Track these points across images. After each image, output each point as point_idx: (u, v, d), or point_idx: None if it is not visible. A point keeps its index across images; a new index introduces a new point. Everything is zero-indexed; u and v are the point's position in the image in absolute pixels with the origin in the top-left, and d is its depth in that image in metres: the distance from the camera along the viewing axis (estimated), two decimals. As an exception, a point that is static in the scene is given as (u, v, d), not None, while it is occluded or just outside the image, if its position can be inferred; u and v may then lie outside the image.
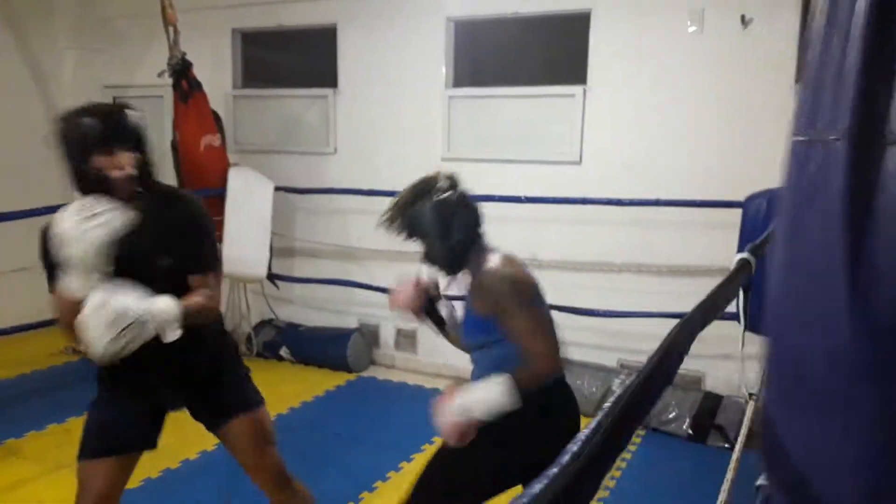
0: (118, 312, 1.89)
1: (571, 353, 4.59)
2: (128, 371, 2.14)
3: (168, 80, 5.03)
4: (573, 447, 0.81)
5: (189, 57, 4.99)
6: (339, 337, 5.22)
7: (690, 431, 4.05)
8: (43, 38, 6.01)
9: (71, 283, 1.94)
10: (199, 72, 5.04)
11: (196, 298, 2.11)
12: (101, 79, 6.23)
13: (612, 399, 0.96)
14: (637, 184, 4.44)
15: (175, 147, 5.19)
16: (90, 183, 2.04)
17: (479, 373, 2.10)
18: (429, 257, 2.19)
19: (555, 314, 4.53)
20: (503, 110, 4.89)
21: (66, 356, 5.34)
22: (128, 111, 2.11)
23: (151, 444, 2.32)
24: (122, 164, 2.05)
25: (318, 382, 4.94)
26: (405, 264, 5.10)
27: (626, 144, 4.52)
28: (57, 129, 2.09)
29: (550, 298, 4.55)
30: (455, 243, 2.14)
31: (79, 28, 6.17)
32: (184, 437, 2.88)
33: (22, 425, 4.03)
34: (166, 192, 2.25)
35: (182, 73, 4.99)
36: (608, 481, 3.54)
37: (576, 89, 4.60)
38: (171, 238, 2.13)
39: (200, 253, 2.20)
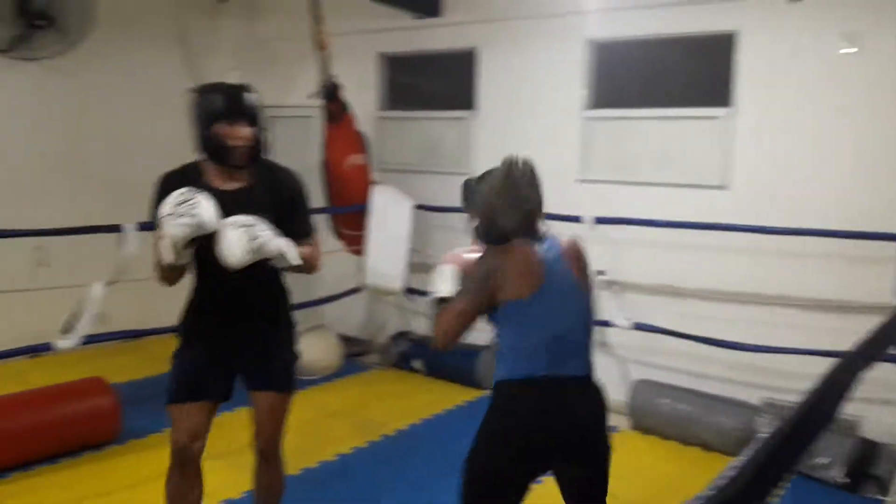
0: (252, 228, 2.26)
1: (711, 387, 4.45)
2: (204, 326, 2.56)
3: (318, 102, 5.35)
4: (721, 482, 0.80)
5: (338, 79, 5.29)
6: (469, 353, 5.30)
7: (844, 479, 3.77)
8: (209, 59, 6.56)
9: (162, 252, 2.28)
10: (347, 93, 5.33)
11: (303, 248, 2.44)
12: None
13: (763, 438, 0.93)
14: (786, 211, 4.24)
15: (323, 165, 5.50)
16: (210, 149, 2.39)
17: None
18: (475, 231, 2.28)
19: (695, 346, 4.42)
20: (642, 132, 4.83)
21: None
22: (249, 91, 2.44)
23: (225, 396, 2.65)
24: (240, 136, 2.37)
25: (449, 396, 5.04)
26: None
27: (775, 170, 4.34)
28: (190, 99, 2.41)
29: (690, 328, 4.46)
30: (482, 223, 2.22)
31: (240, 49, 6.68)
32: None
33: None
34: (271, 164, 2.57)
35: (332, 94, 5.29)
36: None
37: (720, 111, 4.48)
38: (275, 202, 2.46)
39: (300, 217, 2.56)
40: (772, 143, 4.35)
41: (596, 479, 2.20)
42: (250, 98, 2.44)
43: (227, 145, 2.37)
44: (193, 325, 2.59)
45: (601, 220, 4.62)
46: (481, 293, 2.12)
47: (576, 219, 4.67)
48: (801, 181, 4.25)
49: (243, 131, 2.38)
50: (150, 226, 4.29)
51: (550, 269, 2.12)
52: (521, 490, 2.12)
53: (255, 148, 2.43)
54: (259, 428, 2.70)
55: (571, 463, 2.15)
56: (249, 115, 2.41)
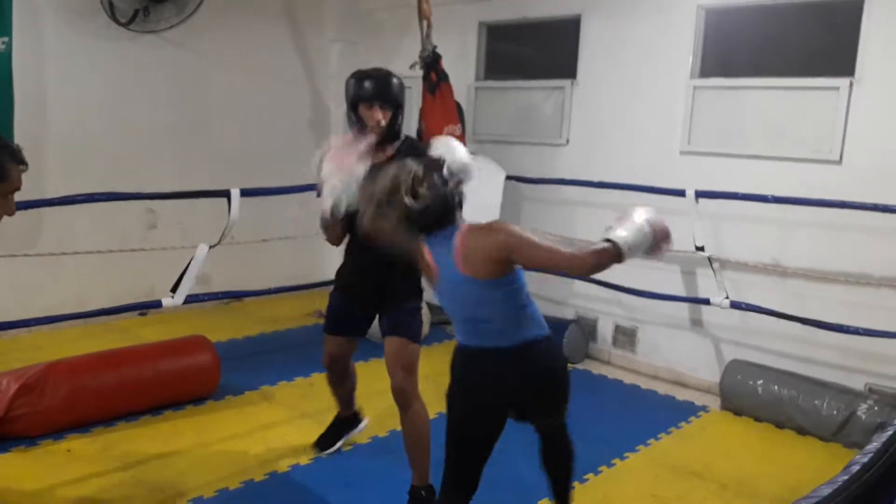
0: None
1: (810, 370, 4.24)
2: (349, 279, 3.18)
3: (418, 72, 5.36)
4: (853, 469, 0.74)
5: (438, 50, 5.27)
6: (556, 326, 5.15)
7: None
8: (313, 30, 6.70)
9: (324, 205, 2.76)
10: (445, 64, 5.31)
11: None
12: (359, 69, 6.80)
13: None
14: (907, 189, 3.92)
15: (420, 136, 5.52)
16: (355, 125, 2.86)
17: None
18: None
19: (797, 326, 4.21)
20: (753, 103, 4.56)
21: (315, 318, 5.95)
22: (393, 79, 2.87)
23: (363, 333, 3.30)
24: (374, 117, 2.81)
25: (535, 369, 5.02)
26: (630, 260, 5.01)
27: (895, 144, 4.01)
28: (346, 82, 2.90)
29: (792, 309, 4.25)
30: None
31: (344, 21, 6.77)
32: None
33: (275, 375, 4.57)
34: (413, 141, 3.13)
35: (432, 65, 5.28)
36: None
37: (840, 82, 4.16)
38: None
39: None
40: (895, 116, 4.01)
41: (555, 430, 2.71)
42: (387, 84, 2.84)
43: (366, 125, 2.82)
44: (342, 276, 3.24)
45: (704, 195, 4.42)
46: None
47: (679, 192, 4.49)
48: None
49: (377, 114, 2.82)
50: (253, 192, 4.50)
51: (440, 266, 2.32)
52: (493, 436, 2.45)
53: (391, 127, 2.87)
54: (390, 374, 3.05)
55: (525, 416, 2.53)
56: (385, 99, 2.82)
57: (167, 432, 3.72)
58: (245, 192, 4.31)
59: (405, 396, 3.04)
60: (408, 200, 2.20)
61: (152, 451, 3.48)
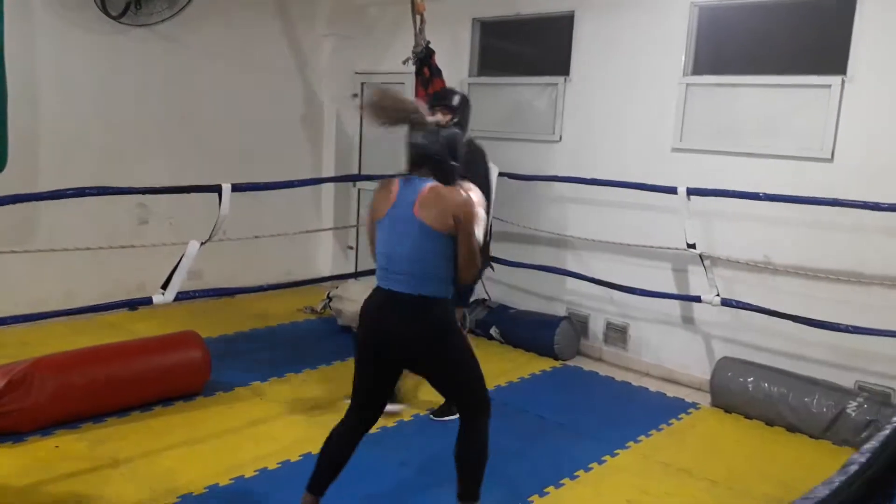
0: None
1: (801, 367, 4.27)
2: None
3: (411, 68, 5.34)
4: (851, 469, 0.73)
5: (432, 45, 5.25)
6: (547, 323, 5.24)
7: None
8: (306, 25, 6.67)
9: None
10: (438, 59, 5.29)
11: None
12: (351, 65, 6.78)
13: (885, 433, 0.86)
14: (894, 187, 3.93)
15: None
16: None
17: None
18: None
19: (787, 324, 4.23)
20: (745, 100, 4.56)
21: (306, 315, 5.94)
22: (456, 93, 3.88)
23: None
24: (438, 120, 3.06)
25: (525, 365, 5.02)
26: (621, 256, 5.02)
27: (890, 142, 4.02)
28: None
29: (783, 306, 4.27)
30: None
31: (336, 16, 6.75)
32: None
33: (266, 371, 4.55)
34: (470, 141, 3.66)
35: (425, 60, 5.25)
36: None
37: (832, 80, 4.17)
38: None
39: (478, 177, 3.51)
40: (887, 114, 4.02)
41: (434, 380, 2.80)
42: (454, 96, 3.86)
43: None
44: None
45: (695, 192, 4.42)
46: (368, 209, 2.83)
47: (671, 189, 4.49)
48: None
49: (440, 116, 3.45)
50: (245, 187, 4.46)
51: (398, 203, 2.61)
52: (375, 371, 2.73)
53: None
54: None
55: (405, 361, 2.73)
56: (450, 106, 3.72)
57: (157, 428, 3.71)
58: (236, 188, 4.28)
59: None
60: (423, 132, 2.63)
61: (142, 448, 3.47)
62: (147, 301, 4.11)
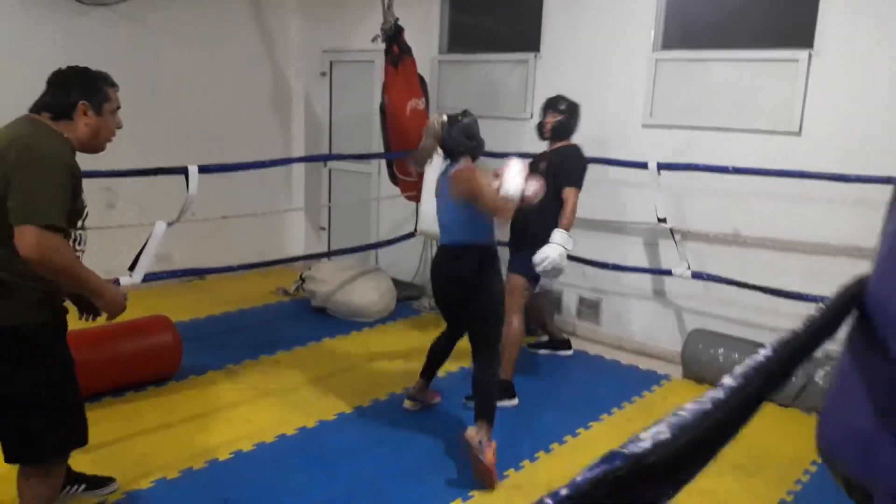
0: None
1: (771, 338, 4.32)
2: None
3: (380, 46, 5.28)
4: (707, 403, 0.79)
5: (400, 22, 5.19)
6: (524, 301, 5.25)
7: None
8: (273, 3, 6.55)
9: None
10: (408, 37, 5.23)
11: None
12: (320, 44, 6.69)
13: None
14: (864, 159, 3.98)
15: (383, 110, 5.46)
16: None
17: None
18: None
19: (757, 296, 4.29)
20: (715, 75, 4.58)
21: (278, 297, 5.89)
22: (562, 99, 4.23)
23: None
24: (546, 122, 4.18)
25: (502, 343, 5.04)
26: (593, 231, 5.05)
27: (855, 115, 4.06)
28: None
29: (753, 278, 4.32)
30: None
31: (306, -7, 6.64)
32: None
33: (239, 354, 4.52)
34: (571, 148, 4.20)
35: (394, 38, 5.20)
36: (794, 485, 3.29)
37: (800, 53, 4.20)
38: (555, 168, 4.04)
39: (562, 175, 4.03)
40: (853, 87, 4.07)
41: (473, 315, 3.38)
42: (560, 100, 4.23)
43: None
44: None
45: (666, 167, 4.45)
46: None
47: (642, 164, 4.51)
48: (883, 127, 3.97)
49: (548, 118, 4.20)
50: (209, 169, 4.40)
51: (440, 182, 3.47)
52: (450, 311, 3.60)
53: (555, 129, 4.18)
54: None
55: (459, 301, 3.41)
56: (556, 109, 4.20)
57: (129, 414, 3.66)
58: (203, 169, 4.21)
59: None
60: (443, 133, 3.39)
61: (115, 433, 3.42)
62: (114, 283, 4.04)
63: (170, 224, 4.07)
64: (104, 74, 2.48)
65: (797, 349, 1.00)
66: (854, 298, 1.19)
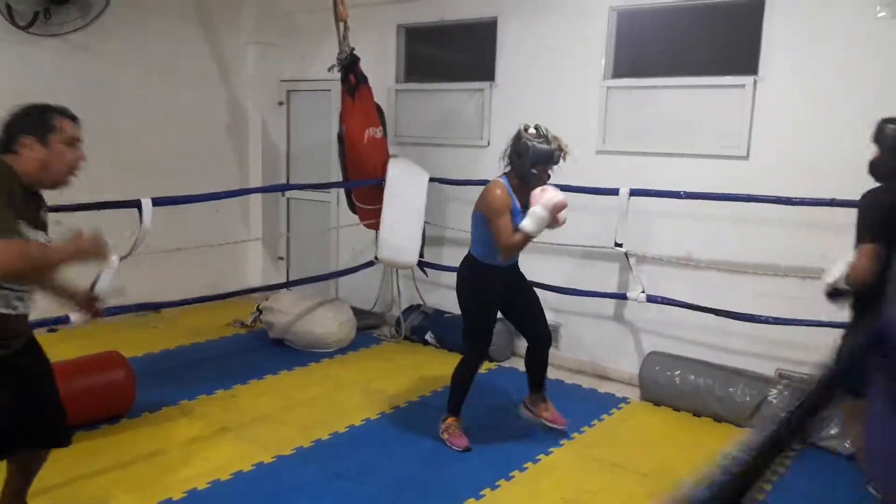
0: None
1: (726, 359, 4.41)
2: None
3: (337, 75, 5.29)
4: (736, 453, 0.80)
5: (357, 52, 5.22)
6: (484, 327, 5.26)
7: (851, 450, 3.69)
8: (229, 32, 6.54)
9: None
10: (365, 66, 5.26)
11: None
12: (277, 73, 6.68)
13: (788, 403, 0.91)
14: (810, 182, 4.11)
15: (341, 138, 5.46)
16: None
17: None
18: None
19: (711, 318, 4.37)
20: (664, 102, 4.70)
21: (235, 329, 5.80)
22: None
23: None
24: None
25: (462, 370, 5.02)
26: (552, 256, 5.09)
27: (800, 139, 4.20)
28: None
29: (706, 300, 4.40)
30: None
31: (261, 23, 6.64)
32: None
33: (194, 389, 4.43)
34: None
35: (350, 67, 5.22)
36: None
37: (746, 80, 4.33)
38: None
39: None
40: (798, 113, 4.20)
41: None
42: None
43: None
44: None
45: (637, 193, 4.51)
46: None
47: (596, 190, 4.58)
48: (827, 151, 4.10)
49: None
50: (163, 201, 4.34)
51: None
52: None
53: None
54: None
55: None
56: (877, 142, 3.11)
57: (80, 454, 3.53)
58: (157, 202, 4.16)
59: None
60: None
61: (64, 475, 3.30)
62: (65, 320, 3.94)
63: (122, 258, 3.99)
64: (58, 108, 2.48)
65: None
66: (868, 348, 1.20)
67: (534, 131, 3.57)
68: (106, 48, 5.66)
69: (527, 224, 3.46)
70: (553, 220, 3.53)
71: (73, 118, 2.50)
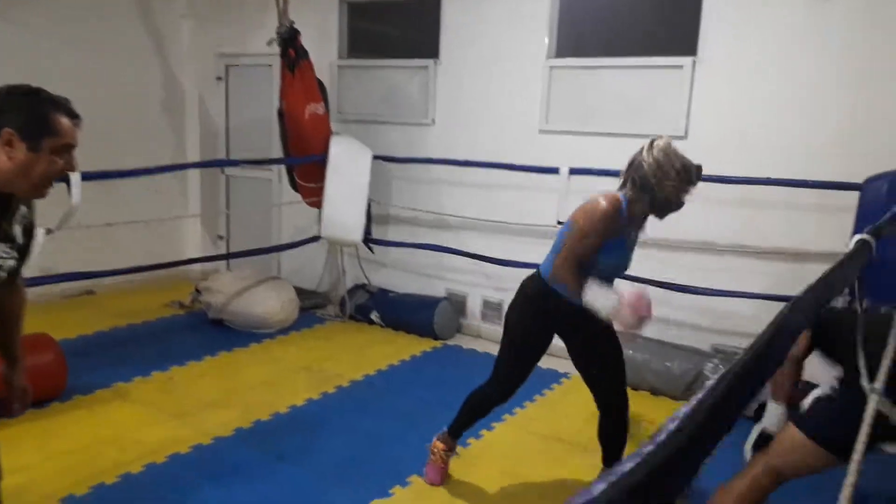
0: None
1: (664, 334, 4.50)
2: None
3: (277, 50, 5.16)
4: (671, 425, 0.78)
5: (297, 27, 5.09)
6: (427, 304, 5.27)
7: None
8: (164, 5, 6.30)
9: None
10: (306, 42, 5.14)
11: None
12: (215, 47, 6.48)
13: (716, 378, 0.90)
14: (746, 161, 4.21)
15: (281, 115, 5.34)
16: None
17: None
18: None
19: (651, 289, 4.45)
20: (606, 82, 4.73)
21: (173, 310, 5.65)
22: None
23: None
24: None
25: (406, 347, 5.02)
26: (496, 234, 5.11)
27: (737, 119, 4.29)
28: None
29: (649, 276, 4.47)
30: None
31: (198, -6, 6.42)
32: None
33: (130, 371, 4.29)
34: None
35: (290, 41, 5.10)
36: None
37: (684, 60, 4.39)
38: None
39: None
40: (735, 92, 4.29)
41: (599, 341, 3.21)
42: None
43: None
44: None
45: (577, 171, 4.54)
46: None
47: (539, 169, 4.60)
48: (763, 131, 4.20)
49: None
50: (93, 175, 4.18)
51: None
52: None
53: None
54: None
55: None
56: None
57: (5, 442, 3.38)
58: (87, 176, 3.99)
59: None
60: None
61: (-12, 462, 3.17)
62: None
63: (48, 231, 3.82)
64: (58, 99, 1.91)
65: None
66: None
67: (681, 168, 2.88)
68: (35, 22, 5.39)
69: (593, 297, 2.74)
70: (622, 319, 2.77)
71: (76, 116, 1.94)
